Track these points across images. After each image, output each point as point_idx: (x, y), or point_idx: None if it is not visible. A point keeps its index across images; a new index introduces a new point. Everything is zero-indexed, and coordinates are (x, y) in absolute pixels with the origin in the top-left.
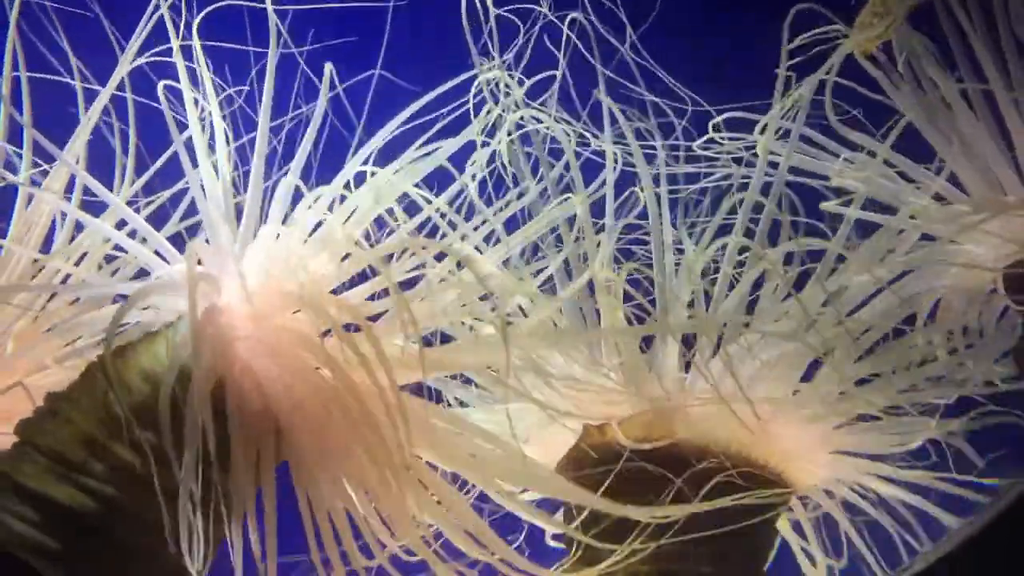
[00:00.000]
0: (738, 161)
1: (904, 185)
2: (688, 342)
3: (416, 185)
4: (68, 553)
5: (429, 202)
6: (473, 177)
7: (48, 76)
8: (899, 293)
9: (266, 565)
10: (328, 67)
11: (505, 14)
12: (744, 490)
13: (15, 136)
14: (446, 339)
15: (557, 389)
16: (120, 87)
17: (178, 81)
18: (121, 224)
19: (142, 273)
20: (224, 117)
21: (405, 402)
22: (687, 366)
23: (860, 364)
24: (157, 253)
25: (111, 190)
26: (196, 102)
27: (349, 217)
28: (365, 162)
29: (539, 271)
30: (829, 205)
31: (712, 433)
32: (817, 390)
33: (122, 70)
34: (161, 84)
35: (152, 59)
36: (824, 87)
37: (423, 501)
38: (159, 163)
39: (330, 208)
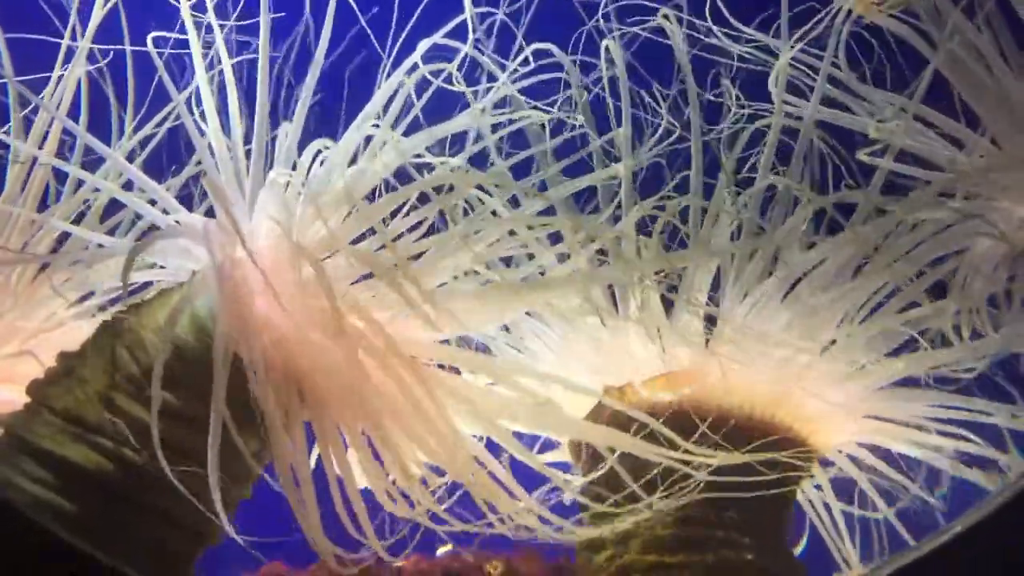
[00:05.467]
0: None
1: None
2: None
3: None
4: (84, 514)
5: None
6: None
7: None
8: (929, 253)
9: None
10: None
11: None
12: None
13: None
14: None
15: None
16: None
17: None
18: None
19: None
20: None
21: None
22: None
23: (888, 327)
24: (163, 209)
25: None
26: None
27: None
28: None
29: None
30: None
31: (734, 395)
32: (844, 351)
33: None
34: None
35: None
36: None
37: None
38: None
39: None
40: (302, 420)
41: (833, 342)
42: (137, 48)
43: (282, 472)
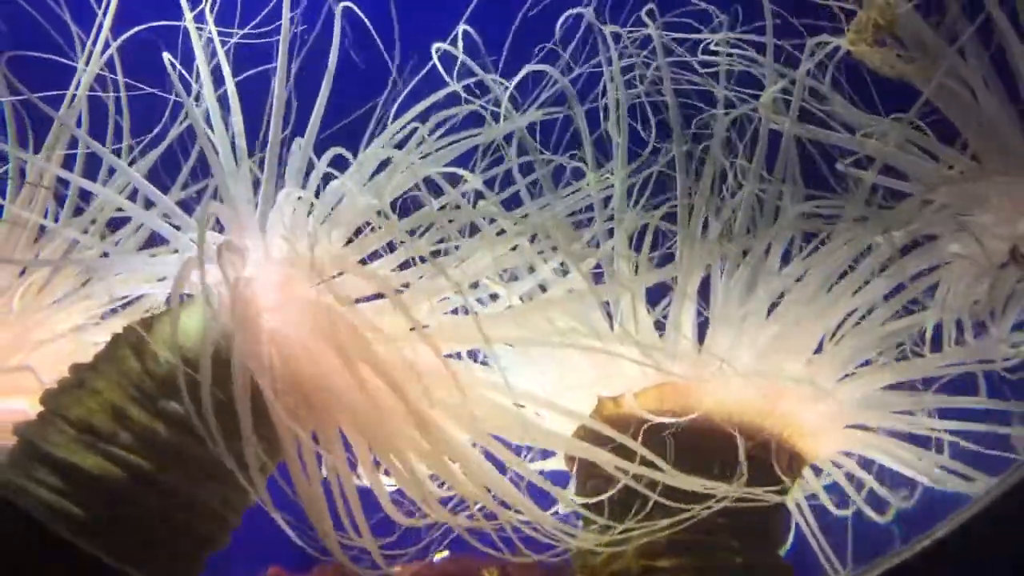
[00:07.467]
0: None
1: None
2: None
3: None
4: (95, 522)
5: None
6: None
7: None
8: (908, 266)
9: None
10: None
11: None
12: (756, 462)
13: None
14: None
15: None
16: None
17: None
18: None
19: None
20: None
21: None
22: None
23: (872, 338)
24: (169, 221)
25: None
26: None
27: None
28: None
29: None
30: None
31: (726, 405)
32: (830, 362)
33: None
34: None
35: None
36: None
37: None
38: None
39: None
40: (310, 430)
41: (821, 350)
42: (135, 86)
43: (297, 479)
